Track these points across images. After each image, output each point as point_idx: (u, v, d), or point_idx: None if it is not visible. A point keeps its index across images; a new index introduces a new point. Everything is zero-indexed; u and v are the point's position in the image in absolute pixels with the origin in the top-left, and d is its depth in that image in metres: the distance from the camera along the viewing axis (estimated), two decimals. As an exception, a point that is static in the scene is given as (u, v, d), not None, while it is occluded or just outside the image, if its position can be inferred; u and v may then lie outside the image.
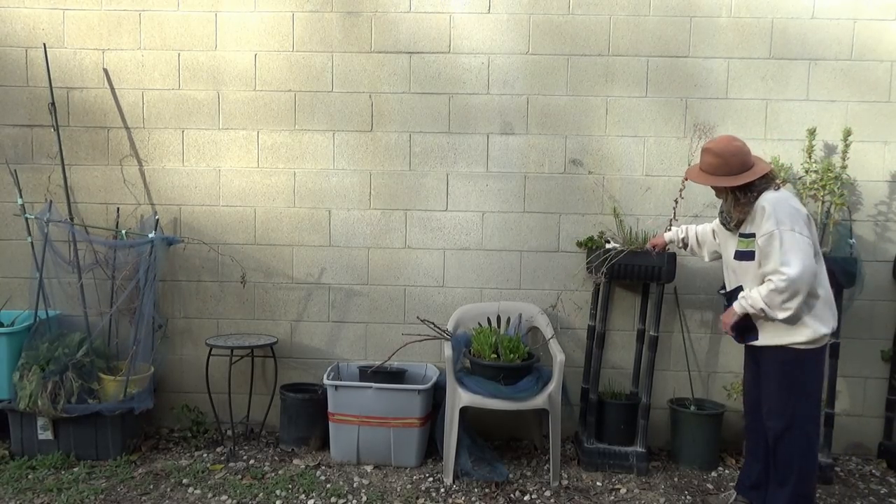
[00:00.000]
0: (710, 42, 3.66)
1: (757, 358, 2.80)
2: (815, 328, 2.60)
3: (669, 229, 3.32)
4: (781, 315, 2.57)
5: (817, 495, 3.24)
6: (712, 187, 2.81)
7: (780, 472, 2.71)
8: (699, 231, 3.14)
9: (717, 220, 2.96)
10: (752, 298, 2.63)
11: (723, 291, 2.93)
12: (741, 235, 2.72)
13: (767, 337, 2.69)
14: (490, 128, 3.74)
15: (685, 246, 3.20)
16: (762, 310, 2.60)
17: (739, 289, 2.75)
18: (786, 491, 2.70)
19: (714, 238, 3.04)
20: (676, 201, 3.54)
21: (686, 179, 2.93)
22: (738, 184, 2.65)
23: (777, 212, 2.57)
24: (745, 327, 2.75)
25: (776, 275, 2.54)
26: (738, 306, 2.70)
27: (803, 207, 2.67)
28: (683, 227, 3.22)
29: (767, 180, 2.68)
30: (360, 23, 3.73)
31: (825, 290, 2.65)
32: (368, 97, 3.76)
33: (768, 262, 2.58)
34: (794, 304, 2.55)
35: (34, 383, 3.27)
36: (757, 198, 2.65)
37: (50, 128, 3.71)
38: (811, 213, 3.43)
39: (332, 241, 3.82)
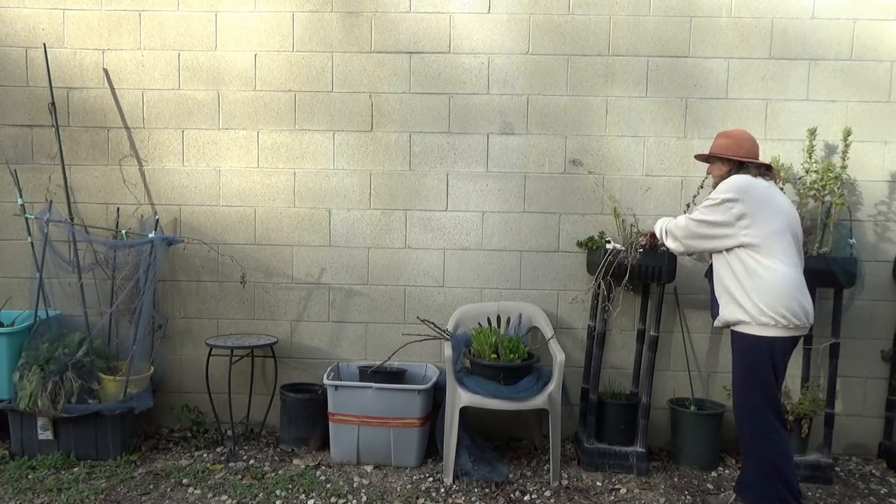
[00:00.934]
0: (710, 42, 3.67)
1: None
2: (757, 308, 2.65)
3: None
4: (668, 241, 2.97)
5: (817, 495, 3.25)
6: (713, 170, 2.98)
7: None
8: None
9: None
10: (662, 219, 3.06)
11: (707, 273, 3.08)
12: None
13: (723, 315, 2.82)
14: (490, 128, 3.75)
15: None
16: (659, 228, 3.02)
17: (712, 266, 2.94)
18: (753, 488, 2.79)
19: None
20: (689, 205, 3.53)
21: (706, 157, 3.02)
22: (743, 160, 2.83)
23: (725, 186, 2.76)
24: (713, 303, 2.91)
25: (693, 212, 2.84)
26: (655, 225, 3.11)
27: (763, 194, 2.73)
28: None
29: (771, 172, 2.87)
30: (360, 23, 3.73)
31: (781, 275, 2.64)
32: (368, 97, 3.76)
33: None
34: (677, 242, 2.91)
35: (34, 383, 3.27)
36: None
37: (50, 128, 3.71)
38: (811, 213, 3.47)
39: (332, 241, 3.82)
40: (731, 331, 2.81)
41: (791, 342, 2.71)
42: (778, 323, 2.64)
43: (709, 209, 2.77)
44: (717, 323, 2.88)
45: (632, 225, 3.57)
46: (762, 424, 2.70)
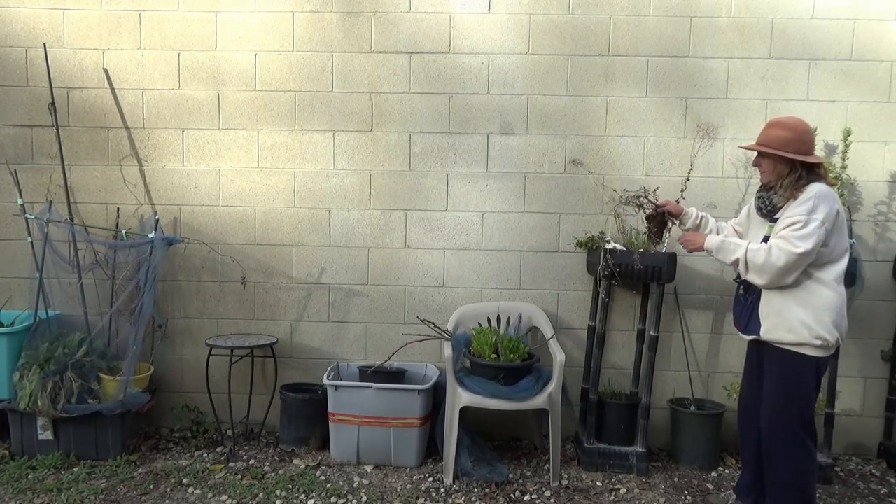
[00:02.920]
0: (710, 42, 3.66)
1: (760, 357, 2.75)
2: (817, 330, 2.48)
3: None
4: (753, 275, 2.51)
5: (817, 495, 3.25)
6: (762, 164, 2.65)
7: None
8: (730, 225, 3.00)
9: (743, 212, 2.90)
10: (739, 245, 2.58)
11: (738, 279, 2.77)
12: (773, 220, 2.59)
13: (769, 332, 2.59)
14: (490, 128, 3.74)
15: (702, 226, 3.01)
16: (739, 260, 2.53)
17: None
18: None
19: (736, 231, 2.94)
20: (678, 201, 3.54)
21: (757, 147, 2.66)
22: (812, 161, 2.52)
23: (818, 202, 2.44)
24: (751, 318, 2.67)
25: (783, 242, 2.44)
26: (715, 241, 2.65)
27: (843, 210, 2.55)
28: (702, 213, 3.08)
29: (825, 172, 2.59)
30: (360, 23, 3.73)
31: (839, 295, 2.52)
32: (368, 97, 3.76)
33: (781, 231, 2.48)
34: (770, 277, 2.47)
35: (34, 383, 3.27)
36: (808, 185, 2.52)
37: (50, 128, 3.71)
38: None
39: (332, 241, 3.82)
40: (774, 346, 2.59)
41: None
42: (831, 345, 2.51)
43: (804, 238, 2.42)
44: (762, 337, 2.62)
45: (656, 189, 3.29)
46: (795, 444, 2.57)
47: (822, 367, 2.58)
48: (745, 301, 2.71)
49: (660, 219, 3.19)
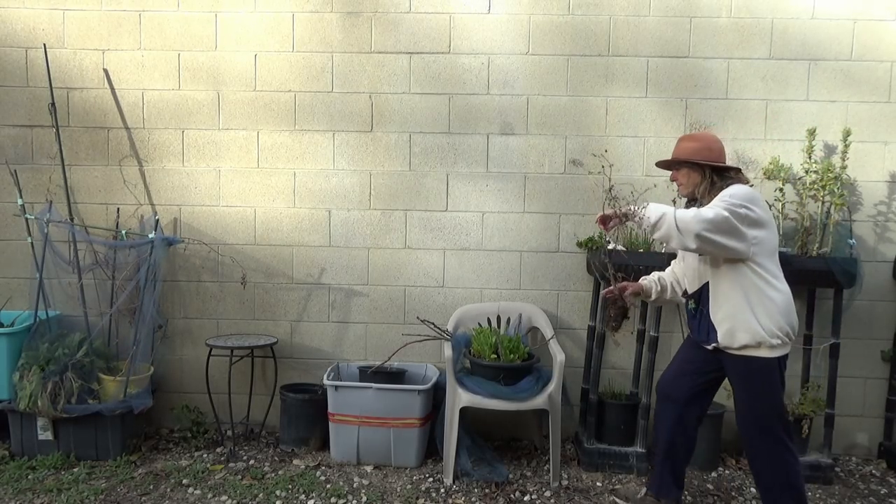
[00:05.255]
0: (710, 42, 3.67)
1: (706, 360, 2.72)
2: (771, 329, 2.49)
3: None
4: (681, 232, 2.42)
5: (817, 495, 3.25)
6: (678, 178, 2.72)
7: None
8: (671, 271, 2.95)
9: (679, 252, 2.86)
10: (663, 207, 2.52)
11: (685, 294, 2.80)
12: None
13: (726, 338, 2.57)
14: (490, 128, 3.75)
15: (663, 291, 2.91)
16: (666, 214, 2.45)
17: (706, 286, 2.63)
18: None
19: (681, 263, 2.89)
20: (674, 201, 3.54)
21: (669, 164, 2.77)
22: (721, 164, 2.63)
23: (733, 192, 2.51)
24: (709, 328, 2.63)
25: (709, 205, 2.49)
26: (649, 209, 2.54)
27: (765, 206, 2.57)
28: (655, 276, 2.96)
29: (742, 178, 2.66)
30: (360, 23, 3.73)
31: (784, 293, 2.55)
32: (368, 97, 3.76)
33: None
34: (696, 228, 2.39)
35: (34, 383, 3.27)
36: (726, 188, 2.57)
37: (50, 128, 3.71)
38: (811, 213, 3.47)
39: (332, 241, 3.82)
40: (732, 354, 2.58)
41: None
42: (785, 342, 2.53)
43: (729, 205, 2.45)
44: (720, 343, 2.59)
45: (610, 188, 2.95)
46: (776, 443, 2.58)
47: (781, 364, 2.57)
48: (697, 314, 2.71)
49: (621, 303, 2.93)
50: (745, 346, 2.53)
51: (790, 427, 2.64)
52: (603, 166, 3.65)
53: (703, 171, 2.64)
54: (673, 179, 2.76)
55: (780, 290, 2.54)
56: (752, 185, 2.67)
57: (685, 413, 2.80)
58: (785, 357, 2.58)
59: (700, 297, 2.68)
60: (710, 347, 2.66)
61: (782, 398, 2.61)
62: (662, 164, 2.83)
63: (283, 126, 3.78)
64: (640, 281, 2.94)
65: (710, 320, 2.62)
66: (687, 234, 2.42)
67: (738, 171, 2.68)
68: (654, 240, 2.62)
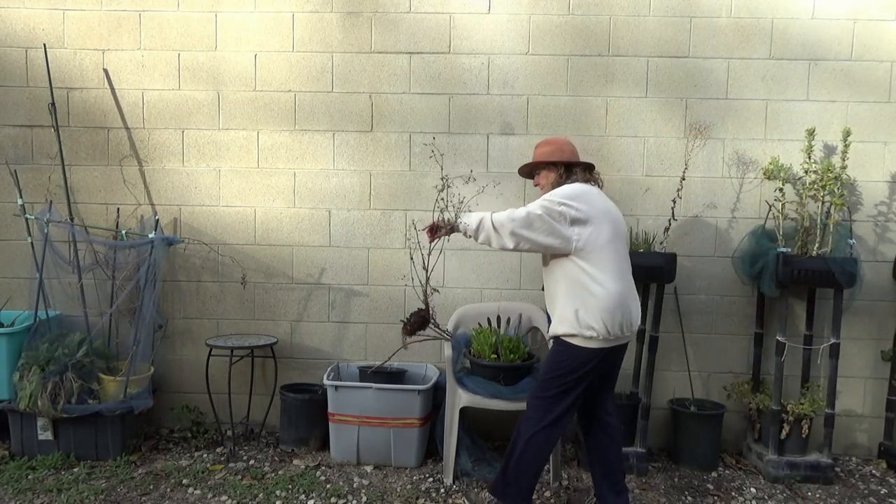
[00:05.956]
0: (710, 42, 3.67)
1: None
2: (586, 320, 2.55)
3: None
4: (499, 232, 2.61)
5: (817, 495, 3.25)
6: (538, 181, 2.87)
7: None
8: None
9: None
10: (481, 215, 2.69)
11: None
12: None
13: (552, 328, 2.69)
14: (490, 128, 3.75)
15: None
16: (484, 219, 2.63)
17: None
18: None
19: None
20: (674, 201, 3.55)
21: (529, 171, 2.93)
22: (569, 162, 2.77)
23: (558, 190, 2.65)
24: None
25: (519, 209, 2.62)
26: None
27: (597, 203, 2.63)
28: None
29: (590, 176, 2.78)
30: (360, 23, 3.73)
31: (607, 290, 2.56)
32: (368, 97, 3.76)
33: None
34: (508, 228, 2.58)
35: (34, 383, 3.27)
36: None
37: (50, 128, 3.71)
38: (811, 213, 3.47)
39: (332, 241, 3.82)
40: (553, 337, 2.70)
41: (610, 351, 2.63)
42: (603, 336, 2.55)
43: (546, 207, 2.59)
44: (549, 334, 2.73)
45: (442, 210, 2.86)
46: (536, 419, 2.67)
47: (591, 357, 2.60)
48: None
49: (424, 314, 3.00)
50: (563, 335, 2.63)
51: (563, 420, 2.66)
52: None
53: (558, 170, 2.79)
54: (536, 184, 2.90)
55: (602, 286, 2.55)
56: (595, 184, 2.76)
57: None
58: (597, 350, 2.58)
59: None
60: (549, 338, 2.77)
61: (567, 389, 2.62)
62: (523, 173, 2.99)
63: (283, 126, 3.78)
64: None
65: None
66: (503, 233, 2.61)
67: (590, 169, 2.82)
68: (480, 243, 2.73)
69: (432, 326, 3.44)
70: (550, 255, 2.68)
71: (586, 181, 2.73)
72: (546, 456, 2.71)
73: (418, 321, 3.05)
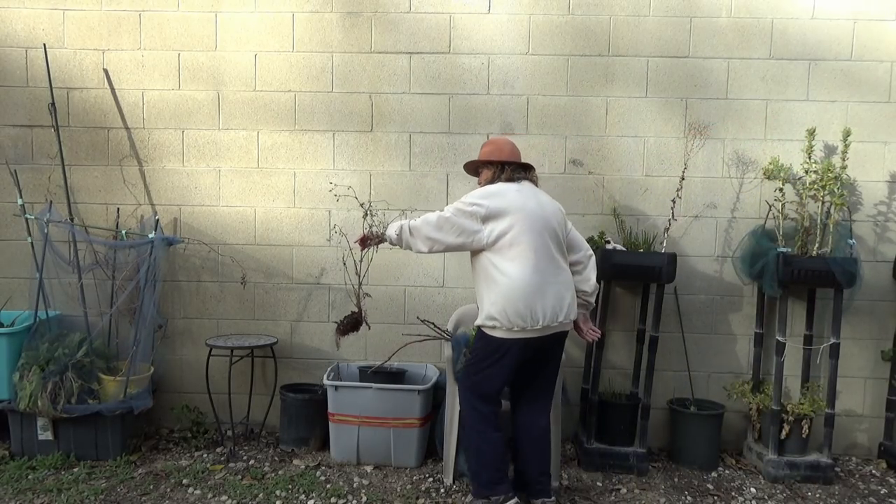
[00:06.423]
0: (710, 42, 3.67)
1: None
2: (489, 311, 2.72)
3: None
4: (414, 237, 2.82)
5: (817, 495, 3.25)
6: (480, 179, 2.99)
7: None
8: None
9: None
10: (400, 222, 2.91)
11: None
12: None
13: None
14: (490, 128, 3.75)
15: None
16: (403, 226, 2.85)
17: None
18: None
19: None
20: (674, 201, 3.55)
21: (474, 170, 3.06)
22: (505, 161, 2.89)
23: (472, 192, 2.83)
24: None
25: (431, 214, 2.82)
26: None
27: (512, 198, 2.75)
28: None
29: (530, 173, 2.93)
30: (360, 23, 3.73)
31: (511, 280, 2.68)
32: (368, 97, 3.76)
33: None
34: (422, 233, 2.79)
35: (34, 383, 3.27)
36: (515, 181, 2.86)
37: (50, 128, 3.71)
38: (811, 213, 3.47)
39: (332, 241, 3.82)
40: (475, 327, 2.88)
41: (528, 342, 2.72)
42: (506, 326, 2.67)
43: (457, 208, 2.77)
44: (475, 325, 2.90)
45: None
46: (466, 406, 2.86)
47: (501, 346, 2.73)
48: None
49: (356, 316, 3.23)
50: (479, 325, 2.80)
51: (491, 401, 2.83)
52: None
53: (494, 169, 2.92)
54: (479, 182, 3.01)
55: (508, 276, 2.69)
56: (515, 181, 2.86)
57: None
58: (508, 341, 2.70)
59: None
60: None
61: (487, 374, 2.78)
62: (469, 170, 3.10)
63: (283, 126, 3.78)
64: None
65: None
66: (417, 238, 2.81)
67: (527, 168, 2.94)
68: (404, 249, 2.92)
69: (432, 326, 3.45)
70: (471, 252, 2.84)
71: (510, 180, 2.86)
72: (488, 444, 2.81)
73: (351, 323, 3.27)
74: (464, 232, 2.74)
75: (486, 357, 2.78)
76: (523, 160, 3.00)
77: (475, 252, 2.81)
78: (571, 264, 2.89)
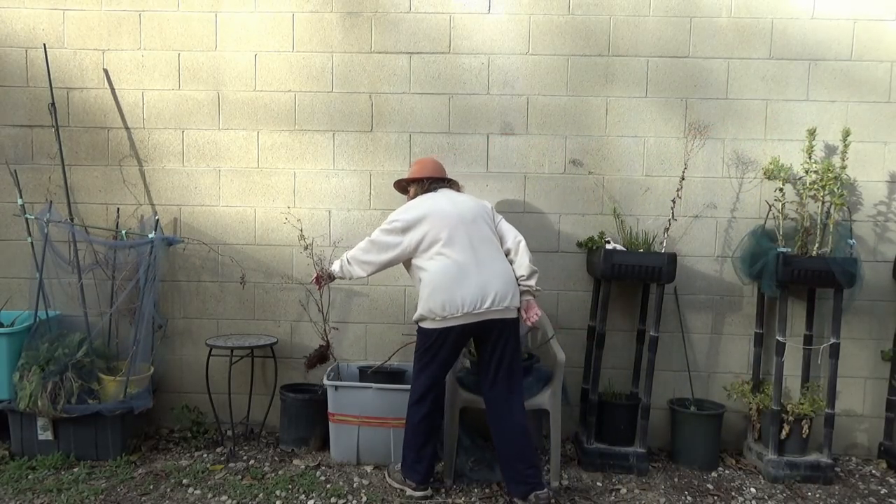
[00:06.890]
0: (710, 42, 3.67)
1: None
2: (418, 307, 2.95)
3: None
4: (351, 267, 3.12)
5: (817, 495, 3.25)
6: (409, 195, 3.19)
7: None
8: None
9: None
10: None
11: None
12: None
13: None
14: (490, 128, 3.75)
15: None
16: (342, 261, 3.15)
17: None
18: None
19: None
20: (674, 201, 3.55)
21: (404, 186, 3.29)
22: (426, 177, 3.13)
23: (394, 211, 3.07)
24: None
25: (361, 242, 3.12)
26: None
27: (426, 206, 3.00)
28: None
29: (452, 184, 3.18)
30: (360, 23, 3.73)
31: (431, 274, 2.91)
32: (368, 97, 3.76)
33: None
34: (357, 260, 3.09)
35: (34, 383, 3.27)
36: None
37: (50, 128, 3.71)
38: (811, 213, 3.47)
39: (333, 241, 3.82)
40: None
41: (463, 329, 2.89)
42: (433, 318, 2.89)
43: (380, 229, 3.05)
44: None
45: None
46: (412, 396, 3.06)
47: (437, 336, 2.93)
48: None
49: (324, 350, 3.66)
50: (417, 322, 3.02)
51: (436, 391, 3.05)
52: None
53: (421, 185, 3.14)
54: (408, 199, 3.19)
55: (428, 272, 2.93)
56: (433, 191, 3.09)
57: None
58: (441, 331, 2.90)
59: None
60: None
61: (429, 365, 2.99)
62: (398, 188, 3.37)
63: (283, 126, 3.78)
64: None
65: None
66: (354, 265, 3.10)
67: (452, 184, 3.18)
68: (349, 279, 3.22)
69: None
70: (404, 264, 3.10)
71: (428, 191, 3.11)
72: (420, 431, 3.03)
73: (318, 356, 3.64)
74: (388, 248, 3.01)
75: (427, 350, 2.98)
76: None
77: (406, 262, 3.06)
78: (505, 254, 3.04)
